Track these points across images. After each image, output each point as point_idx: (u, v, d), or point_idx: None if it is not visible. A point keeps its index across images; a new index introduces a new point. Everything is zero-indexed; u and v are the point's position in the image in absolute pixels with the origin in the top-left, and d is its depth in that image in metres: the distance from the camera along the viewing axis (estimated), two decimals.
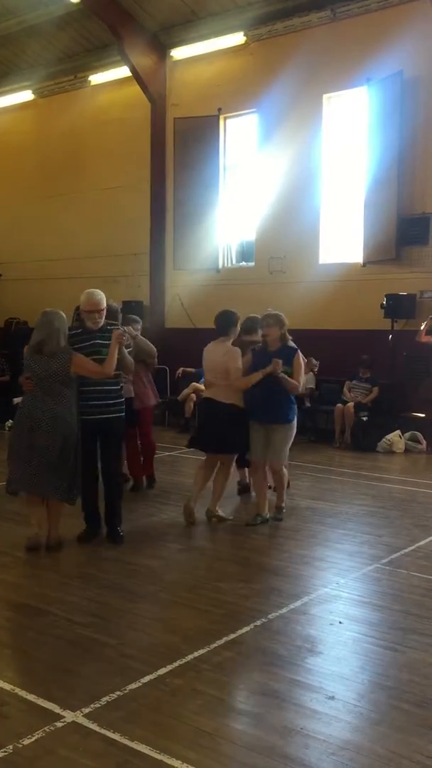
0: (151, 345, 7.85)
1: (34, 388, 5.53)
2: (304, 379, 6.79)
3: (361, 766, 2.93)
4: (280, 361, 6.06)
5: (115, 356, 5.56)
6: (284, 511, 6.69)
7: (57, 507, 5.72)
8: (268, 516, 6.56)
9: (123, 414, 5.90)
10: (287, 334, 6.51)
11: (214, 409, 6.48)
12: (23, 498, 5.80)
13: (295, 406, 6.54)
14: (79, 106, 14.99)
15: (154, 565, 5.36)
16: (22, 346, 9.37)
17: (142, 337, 7.77)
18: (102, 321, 5.75)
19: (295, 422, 6.51)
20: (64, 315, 5.73)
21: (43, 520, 5.70)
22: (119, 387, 5.85)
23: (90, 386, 5.67)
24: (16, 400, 13.58)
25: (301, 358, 6.40)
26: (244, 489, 7.67)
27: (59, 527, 5.76)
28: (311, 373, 11.48)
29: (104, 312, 5.76)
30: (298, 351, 6.42)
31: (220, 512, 6.60)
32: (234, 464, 6.97)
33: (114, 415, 5.80)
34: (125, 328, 5.97)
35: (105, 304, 5.77)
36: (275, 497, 6.75)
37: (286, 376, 6.16)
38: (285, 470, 6.65)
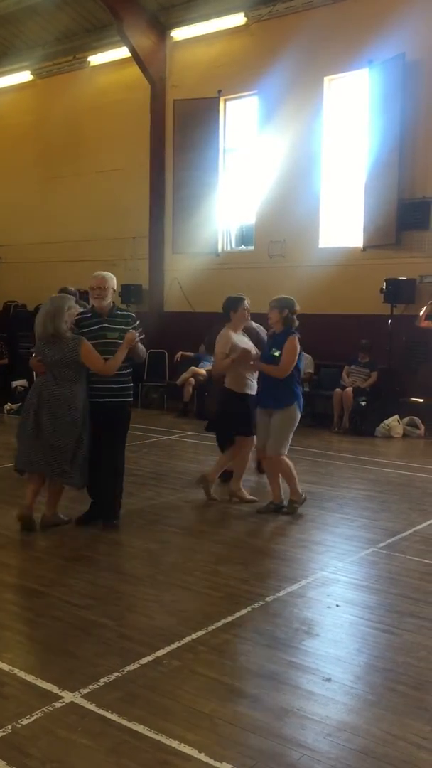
0: None
1: (46, 370, 5.61)
2: (303, 364, 6.66)
3: (357, 747, 2.95)
4: (135, 333, 5.74)
5: (122, 358, 5.62)
6: (295, 506, 6.36)
7: (55, 488, 5.77)
8: (282, 504, 6.41)
9: (126, 400, 5.84)
10: (291, 318, 6.31)
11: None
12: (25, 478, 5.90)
13: (294, 391, 6.27)
14: (78, 88, 14.88)
15: (152, 548, 5.38)
16: (20, 329, 9.34)
17: None
18: (108, 301, 5.79)
19: (293, 408, 6.26)
20: (66, 298, 5.77)
21: (32, 498, 5.75)
22: (126, 372, 5.82)
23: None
24: (15, 383, 13.66)
25: (295, 341, 6.20)
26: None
27: (58, 508, 5.81)
28: (310, 357, 11.51)
29: (108, 291, 5.77)
30: (294, 335, 6.24)
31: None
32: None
33: (117, 400, 5.75)
34: (137, 330, 5.83)
35: (110, 284, 5.78)
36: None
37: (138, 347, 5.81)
38: (285, 460, 6.32)
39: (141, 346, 5.88)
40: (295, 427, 6.35)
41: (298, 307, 6.34)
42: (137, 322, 5.89)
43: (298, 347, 6.22)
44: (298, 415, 6.32)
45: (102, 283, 5.74)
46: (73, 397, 5.54)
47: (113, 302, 5.94)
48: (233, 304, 6.77)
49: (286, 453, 6.31)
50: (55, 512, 5.84)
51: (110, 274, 5.89)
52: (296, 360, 6.22)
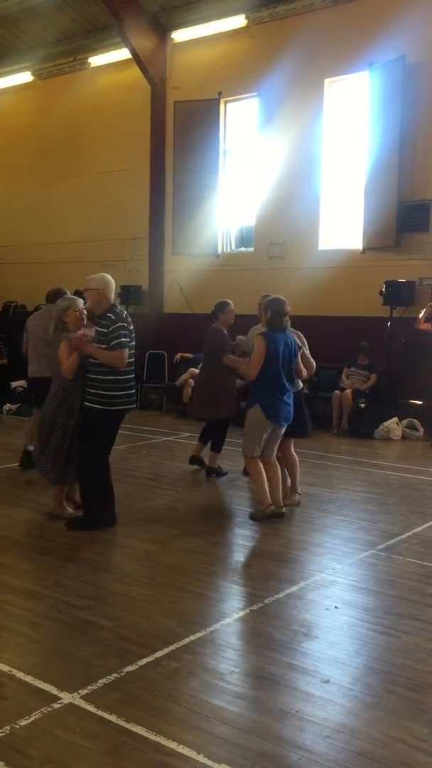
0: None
1: None
2: (284, 364, 6.27)
3: (355, 748, 2.96)
4: (83, 332, 5.62)
5: (69, 359, 5.63)
6: (257, 515, 6.17)
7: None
8: (272, 510, 6.17)
9: (94, 405, 5.61)
10: (275, 319, 6.14)
11: None
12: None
13: (257, 393, 6.13)
14: (79, 89, 14.89)
15: (150, 549, 5.38)
16: (20, 329, 9.42)
17: None
18: (91, 302, 5.74)
19: (255, 408, 6.09)
20: (67, 299, 6.02)
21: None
22: (99, 378, 5.59)
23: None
24: (15, 383, 13.64)
25: (260, 344, 6.06)
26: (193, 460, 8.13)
27: (60, 504, 6.07)
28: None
29: (90, 293, 5.69)
30: (260, 335, 6.13)
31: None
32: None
33: (86, 404, 5.66)
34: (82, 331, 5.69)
35: (92, 285, 5.68)
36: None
37: (94, 350, 5.60)
38: (256, 464, 6.17)
39: (106, 353, 5.55)
40: (263, 430, 6.10)
41: (285, 308, 6.17)
42: (114, 326, 5.52)
43: (264, 349, 6.02)
44: (263, 418, 6.06)
45: (85, 285, 5.78)
46: (53, 393, 5.85)
47: (113, 304, 5.79)
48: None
49: (255, 455, 6.16)
50: (59, 505, 6.05)
51: (100, 275, 5.76)
52: (260, 361, 6.02)
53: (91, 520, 5.76)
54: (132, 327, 5.71)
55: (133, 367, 5.80)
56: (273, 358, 6.05)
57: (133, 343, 5.72)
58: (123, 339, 5.52)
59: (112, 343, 5.53)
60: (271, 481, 6.26)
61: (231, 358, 7.51)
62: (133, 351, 5.73)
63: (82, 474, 5.81)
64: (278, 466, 6.37)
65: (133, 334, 5.71)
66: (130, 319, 5.76)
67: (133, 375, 5.82)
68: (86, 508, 5.85)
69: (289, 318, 6.29)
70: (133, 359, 5.73)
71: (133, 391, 5.83)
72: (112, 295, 5.81)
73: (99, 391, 5.60)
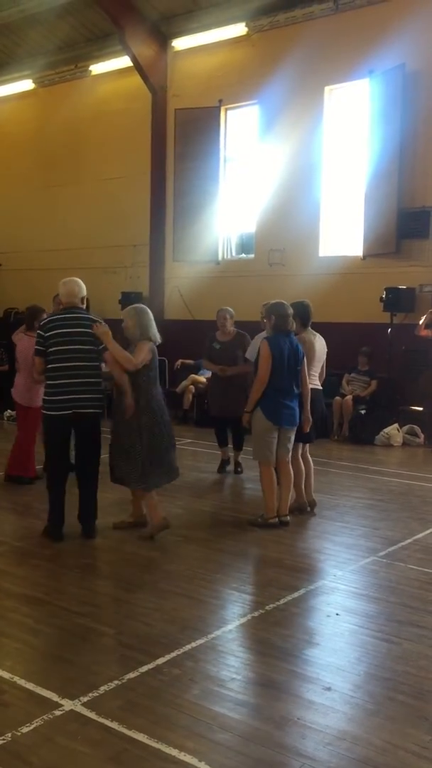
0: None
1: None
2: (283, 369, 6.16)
3: (357, 756, 2.95)
4: None
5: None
6: (259, 520, 6.20)
7: (136, 493, 6.04)
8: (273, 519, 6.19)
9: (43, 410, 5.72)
10: (279, 323, 6.15)
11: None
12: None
13: (261, 398, 6.12)
14: (80, 96, 14.93)
15: (152, 556, 5.38)
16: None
17: None
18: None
19: (257, 412, 6.10)
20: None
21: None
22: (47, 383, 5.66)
23: None
24: None
25: (264, 348, 6.11)
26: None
27: (147, 514, 5.95)
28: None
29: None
30: (265, 339, 6.18)
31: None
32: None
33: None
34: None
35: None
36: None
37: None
38: (267, 471, 6.17)
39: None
40: (268, 433, 6.08)
41: (287, 310, 6.18)
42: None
43: (269, 352, 6.03)
44: (265, 421, 6.06)
45: None
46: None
47: (64, 308, 5.85)
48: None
49: (264, 459, 6.15)
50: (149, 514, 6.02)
51: (63, 279, 5.95)
52: (268, 364, 6.03)
53: (47, 527, 5.73)
54: (64, 330, 5.57)
55: (63, 373, 5.51)
56: (276, 362, 6.07)
57: (61, 347, 5.52)
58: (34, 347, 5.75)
59: None
60: (282, 487, 6.25)
61: (206, 363, 8.40)
62: (63, 356, 5.52)
63: None
64: (291, 472, 6.32)
65: (62, 338, 5.55)
66: (60, 323, 5.62)
67: (66, 381, 5.50)
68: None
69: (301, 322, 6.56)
70: (60, 364, 5.51)
71: (66, 397, 5.50)
72: (72, 299, 5.84)
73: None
